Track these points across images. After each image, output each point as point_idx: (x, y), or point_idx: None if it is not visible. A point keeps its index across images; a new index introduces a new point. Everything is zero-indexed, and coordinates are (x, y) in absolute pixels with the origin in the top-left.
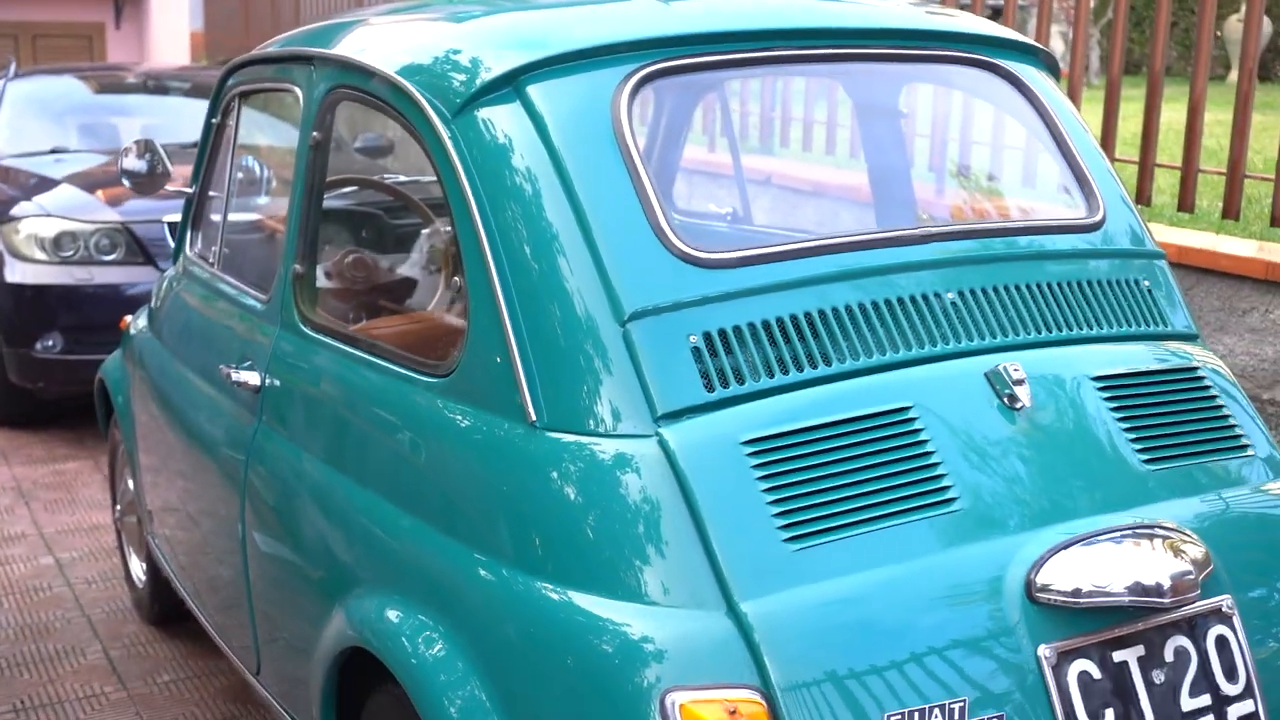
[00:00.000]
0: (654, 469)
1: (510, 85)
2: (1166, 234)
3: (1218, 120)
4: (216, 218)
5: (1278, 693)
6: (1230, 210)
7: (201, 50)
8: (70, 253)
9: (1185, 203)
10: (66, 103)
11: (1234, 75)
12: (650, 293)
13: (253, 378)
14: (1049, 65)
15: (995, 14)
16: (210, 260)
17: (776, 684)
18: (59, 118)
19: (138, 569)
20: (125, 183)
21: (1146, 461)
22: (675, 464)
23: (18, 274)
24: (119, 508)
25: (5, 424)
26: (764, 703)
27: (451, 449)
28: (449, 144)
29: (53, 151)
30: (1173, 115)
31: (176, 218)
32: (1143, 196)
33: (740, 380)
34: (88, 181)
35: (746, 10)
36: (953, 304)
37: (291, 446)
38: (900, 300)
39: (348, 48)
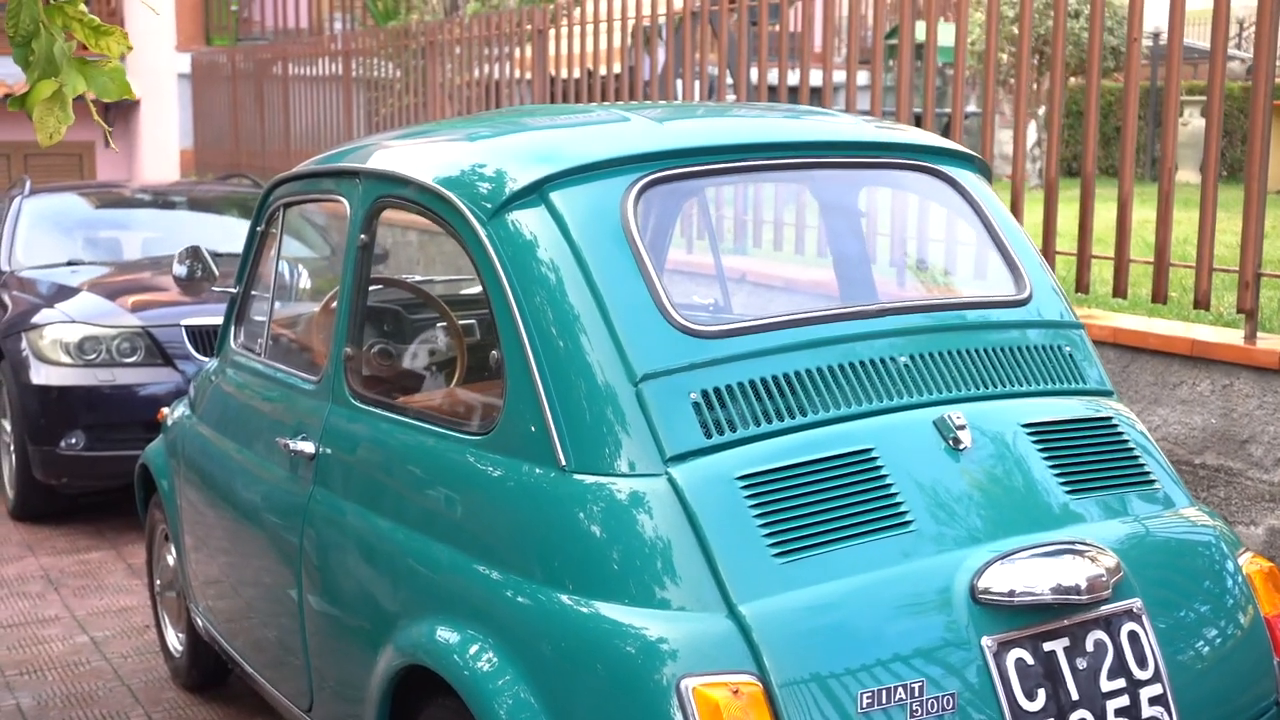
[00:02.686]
0: (664, 501)
1: (536, 192)
2: (1105, 318)
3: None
4: (262, 313)
5: (1182, 678)
6: (1158, 295)
7: (191, 167)
8: (93, 356)
9: (1119, 289)
10: (75, 218)
11: (1184, 174)
12: (658, 359)
13: (308, 447)
14: (983, 170)
15: (946, 127)
16: (256, 350)
17: (770, 670)
18: (69, 231)
19: (174, 640)
20: (176, 282)
21: (1069, 492)
22: (682, 496)
23: (43, 376)
24: (158, 583)
25: (29, 519)
26: (761, 685)
27: (492, 492)
28: (486, 242)
29: (69, 263)
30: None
31: (194, 321)
32: (1081, 285)
33: (733, 428)
34: (107, 289)
35: (728, 128)
36: (906, 365)
37: (345, 504)
38: (863, 363)
39: (390, 163)
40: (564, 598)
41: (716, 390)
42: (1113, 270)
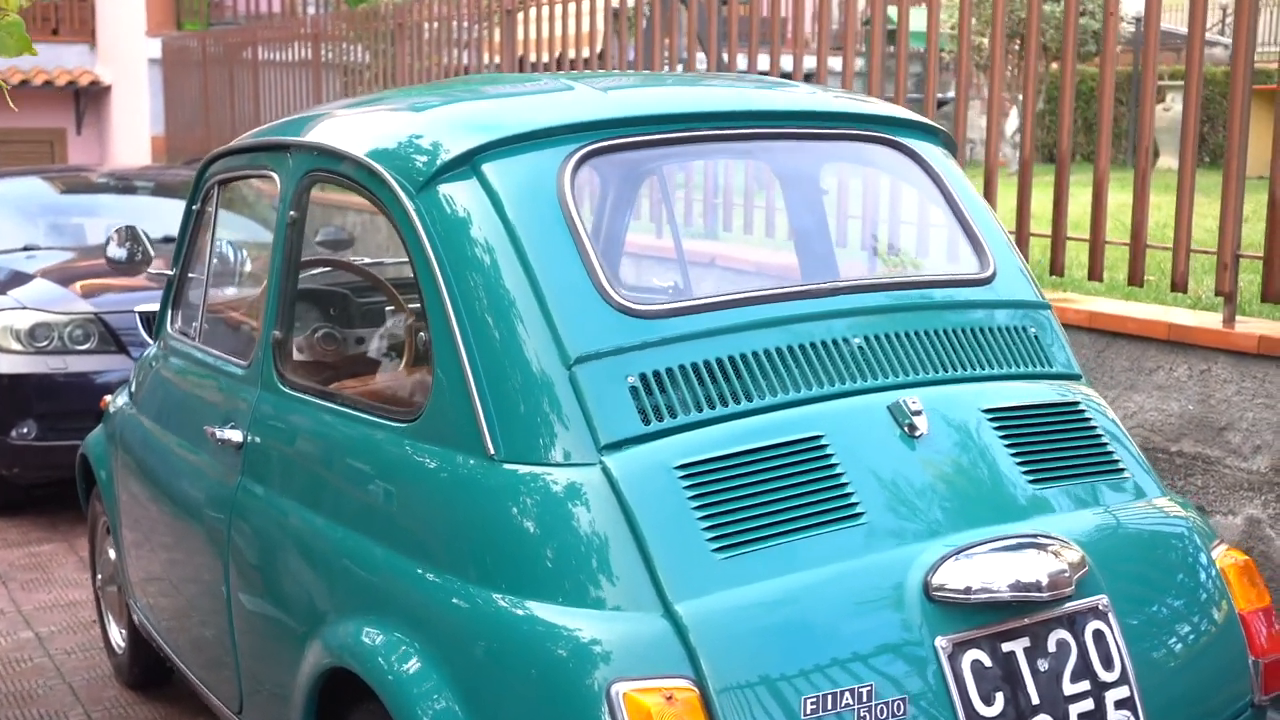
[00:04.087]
0: (599, 492)
1: (467, 164)
2: (1081, 302)
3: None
4: (197, 296)
5: (1150, 679)
6: (1134, 278)
7: (162, 153)
8: (45, 343)
9: (1094, 272)
10: (35, 203)
11: (1166, 160)
12: (593, 340)
13: (236, 435)
14: (947, 144)
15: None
16: (191, 335)
17: (708, 674)
18: (30, 217)
19: (117, 635)
20: (109, 265)
21: (1032, 482)
22: (617, 487)
23: None
24: (99, 577)
25: None
26: (696, 690)
27: (420, 483)
28: (414, 216)
29: (25, 249)
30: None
31: (147, 307)
32: (1056, 267)
33: (673, 414)
34: (61, 275)
35: (676, 96)
36: (859, 347)
37: (273, 495)
38: (813, 344)
39: (321, 135)
40: (495, 597)
41: (656, 374)
42: (1088, 253)
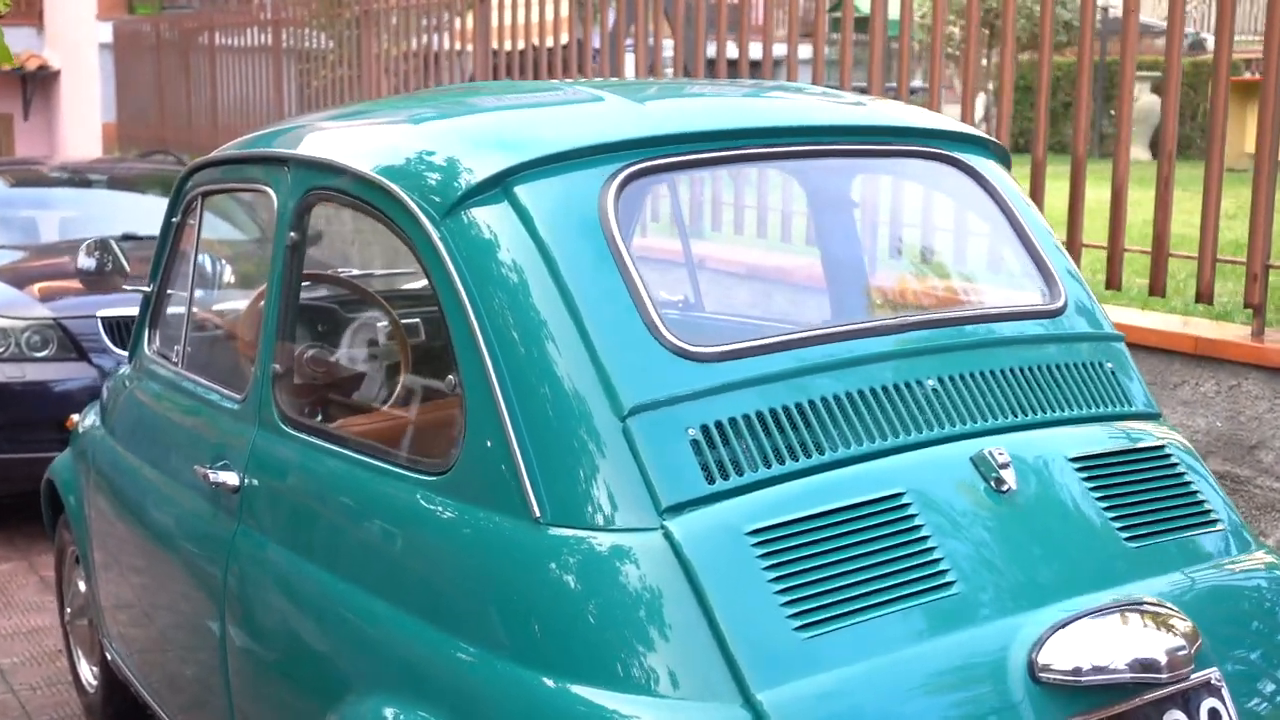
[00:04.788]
0: (661, 561)
1: (498, 186)
2: None
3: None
4: (178, 316)
5: None
6: (1156, 288)
7: (114, 142)
8: (0, 350)
9: (1112, 280)
10: None
11: (1135, 151)
12: (648, 387)
13: (231, 478)
14: (1001, 157)
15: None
16: (173, 359)
17: None
18: None
19: (88, 673)
20: (80, 278)
21: (1128, 540)
22: (682, 556)
23: None
24: (69, 610)
25: None
26: None
27: (451, 546)
28: (439, 245)
29: None
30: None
31: (111, 312)
32: None
33: (739, 471)
34: (15, 277)
35: (719, 111)
36: (934, 390)
37: (279, 549)
38: (884, 388)
39: (323, 149)
40: (540, 679)
41: (719, 425)
42: (1107, 260)
